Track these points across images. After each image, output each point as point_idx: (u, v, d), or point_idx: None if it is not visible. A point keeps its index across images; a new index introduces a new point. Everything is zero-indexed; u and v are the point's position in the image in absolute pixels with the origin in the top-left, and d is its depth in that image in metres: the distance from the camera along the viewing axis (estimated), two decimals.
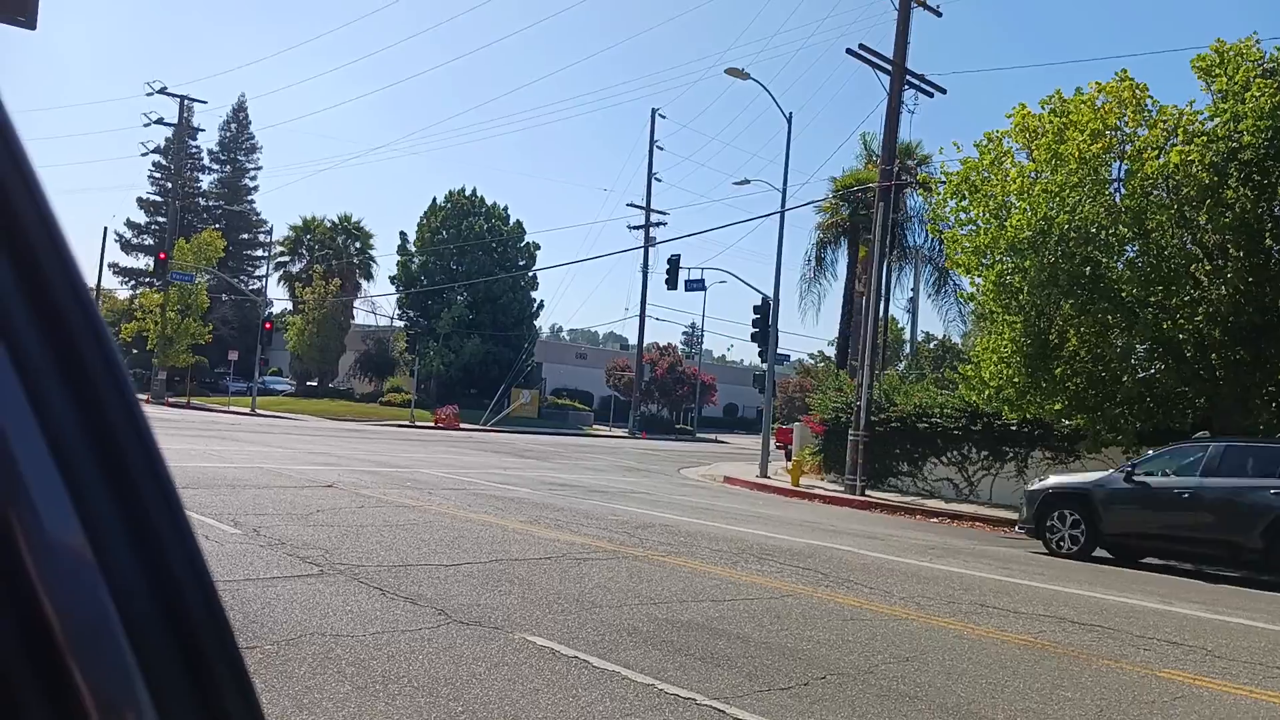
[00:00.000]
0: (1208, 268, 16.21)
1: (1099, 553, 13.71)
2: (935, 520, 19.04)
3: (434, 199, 55.93)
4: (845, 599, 8.22)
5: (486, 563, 8.42)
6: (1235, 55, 15.84)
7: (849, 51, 23.08)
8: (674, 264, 31.73)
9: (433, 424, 42.08)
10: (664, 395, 57.21)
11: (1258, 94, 15.09)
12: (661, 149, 48.87)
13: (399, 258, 55.79)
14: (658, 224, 45.24)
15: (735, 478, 24.57)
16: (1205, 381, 16.68)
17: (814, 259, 40.14)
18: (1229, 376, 16.32)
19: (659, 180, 45.89)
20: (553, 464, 24.91)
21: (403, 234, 56.17)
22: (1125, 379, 17.32)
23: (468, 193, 55.79)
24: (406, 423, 41.79)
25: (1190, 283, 16.21)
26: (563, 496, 15.59)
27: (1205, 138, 15.52)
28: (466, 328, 52.56)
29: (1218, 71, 15.96)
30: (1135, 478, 13.49)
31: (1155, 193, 16.18)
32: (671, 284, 31.77)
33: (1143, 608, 9.29)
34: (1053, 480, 14.81)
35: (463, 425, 42.91)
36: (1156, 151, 16.16)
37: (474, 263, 52.98)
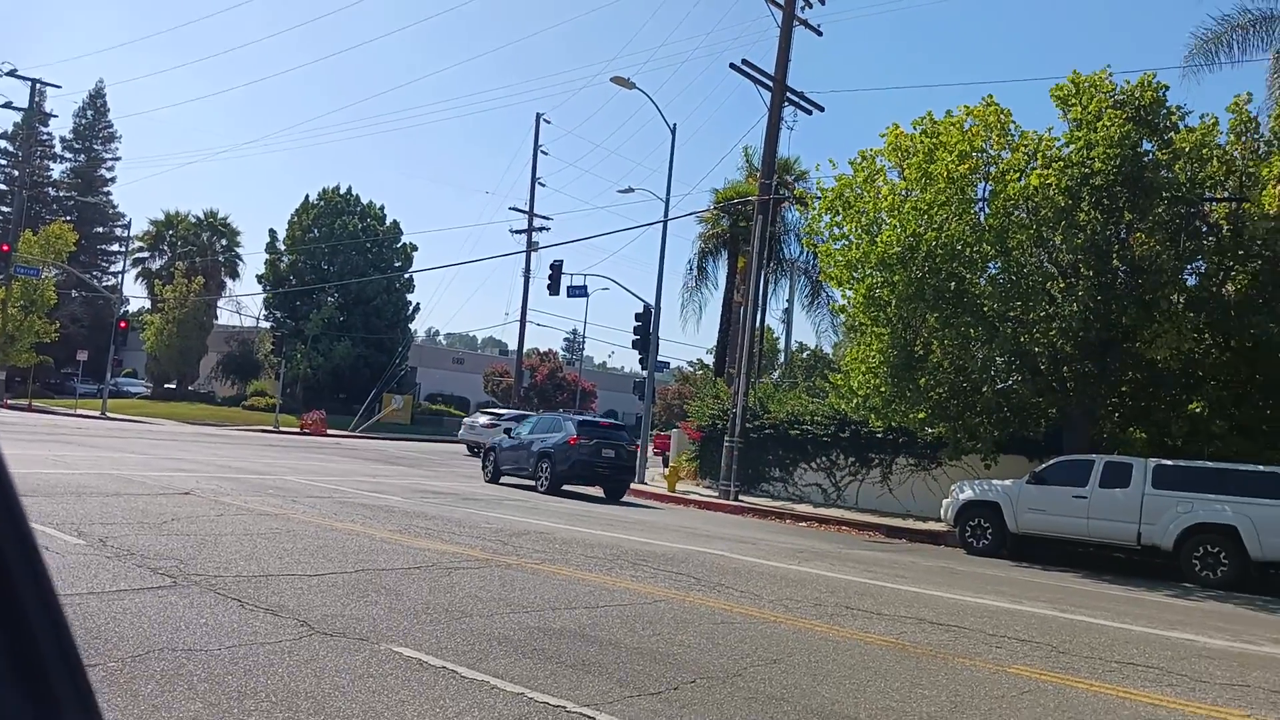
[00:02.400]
0: (1061, 285, 17.17)
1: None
2: (804, 524, 19.55)
3: (306, 196, 54.16)
4: (716, 603, 8.32)
5: (353, 572, 8.16)
6: (1090, 87, 16.81)
7: (732, 66, 23.53)
8: (556, 269, 31.64)
9: (299, 429, 40.63)
10: (543, 401, 56.80)
11: (1109, 124, 16.04)
12: (546, 154, 48.57)
13: (267, 256, 53.68)
14: (540, 229, 44.83)
15: None
16: (1057, 393, 17.67)
17: (695, 268, 40.68)
18: (1078, 388, 17.33)
19: (543, 185, 45.48)
20: (425, 471, 24.41)
21: (272, 231, 54.12)
22: (985, 389, 18.18)
23: (342, 190, 54.23)
24: (271, 428, 40.21)
25: (1046, 299, 17.12)
26: (435, 504, 15.28)
27: (1062, 163, 16.41)
28: (337, 330, 50.99)
29: (1074, 101, 16.90)
30: (511, 435, 23.01)
31: (1016, 213, 17.02)
32: (553, 290, 31.67)
33: (996, 607, 9.74)
34: (493, 440, 24.14)
35: (331, 431, 41.58)
36: (1018, 174, 17.02)
37: (347, 263, 51.46)
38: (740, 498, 22.45)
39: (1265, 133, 16.76)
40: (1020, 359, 17.66)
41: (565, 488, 21.19)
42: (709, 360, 47.25)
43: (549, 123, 46.77)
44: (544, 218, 45.75)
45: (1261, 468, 14.62)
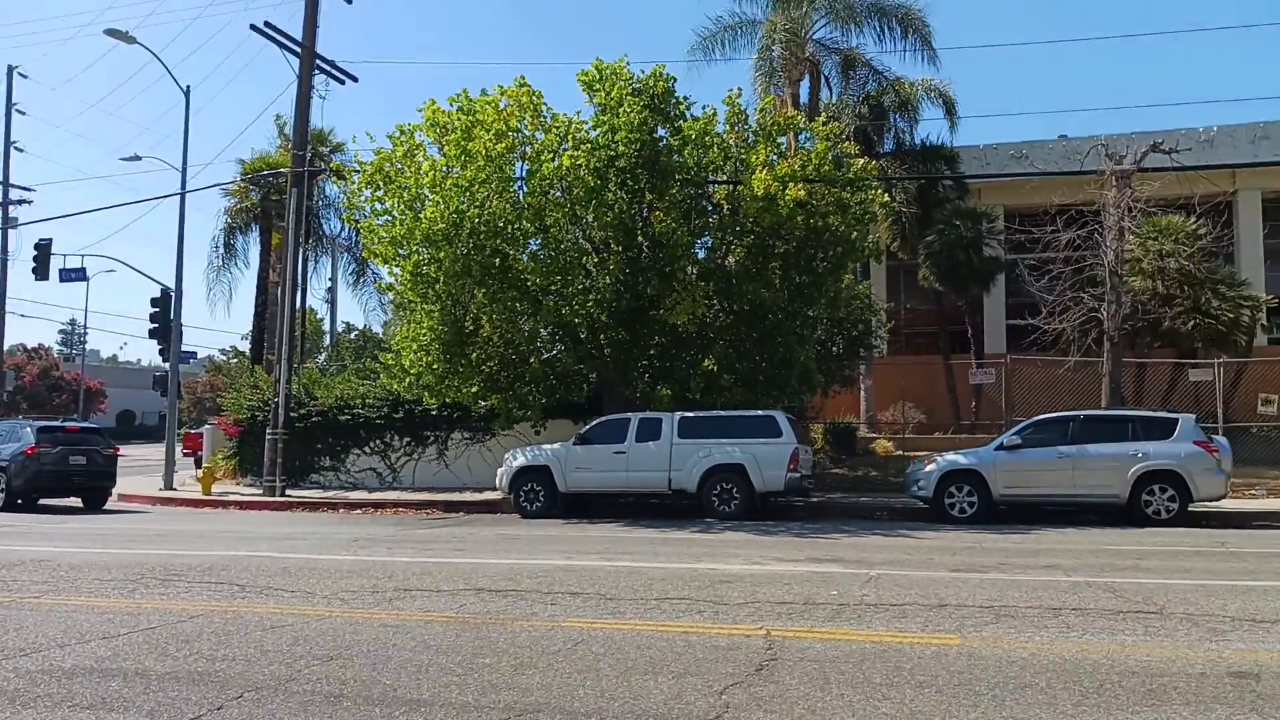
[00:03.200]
0: (595, 260, 18.38)
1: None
2: (360, 512, 18.95)
3: None
4: (264, 608, 7.64)
5: None
6: (611, 74, 18.01)
7: (254, 28, 21.78)
8: (44, 250, 26.96)
9: None
10: (36, 407, 48.51)
11: (629, 110, 17.32)
12: (24, 114, 41.16)
13: None
14: (20, 202, 37.64)
15: (133, 494, 21.76)
16: (596, 359, 18.95)
17: (223, 246, 37.10)
18: (613, 354, 18.74)
19: (21, 150, 38.43)
20: None
21: None
22: (532, 360, 18.95)
23: None
24: None
25: (582, 273, 18.22)
26: None
27: (590, 145, 17.43)
28: None
29: (598, 87, 18.01)
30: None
31: (552, 192, 17.79)
32: (41, 274, 26.95)
33: (550, 566, 10.16)
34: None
35: None
36: (551, 155, 17.76)
37: None
38: (288, 493, 21.11)
39: (753, 124, 19.31)
40: (563, 329, 18.65)
41: (43, 502, 19.56)
42: (245, 347, 43.84)
43: (25, 77, 39.64)
44: (25, 189, 38.47)
45: (759, 412, 17.05)
